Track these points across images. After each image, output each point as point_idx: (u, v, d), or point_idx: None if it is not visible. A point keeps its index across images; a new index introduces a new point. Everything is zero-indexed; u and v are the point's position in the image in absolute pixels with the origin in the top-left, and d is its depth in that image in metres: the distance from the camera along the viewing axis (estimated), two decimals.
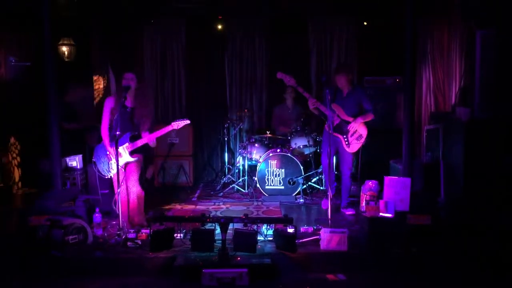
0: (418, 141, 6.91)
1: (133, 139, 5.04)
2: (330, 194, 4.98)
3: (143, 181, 5.60)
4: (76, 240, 4.63)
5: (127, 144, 5.02)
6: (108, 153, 5.10)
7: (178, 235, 4.83)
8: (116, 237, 4.83)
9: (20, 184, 6.15)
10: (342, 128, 5.75)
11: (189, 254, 4.44)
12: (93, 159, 5.16)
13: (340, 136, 5.75)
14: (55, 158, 5.33)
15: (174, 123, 5.04)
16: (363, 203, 5.55)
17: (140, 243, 4.72)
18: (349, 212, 5.86)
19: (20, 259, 4.40)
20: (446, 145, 5.50)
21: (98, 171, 5.15)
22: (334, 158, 6.11)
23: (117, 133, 4.72)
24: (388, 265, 4.47)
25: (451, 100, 6.32)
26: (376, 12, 7.68)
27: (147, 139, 5.02)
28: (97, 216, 5.06)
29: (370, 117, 5.76)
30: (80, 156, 6.30)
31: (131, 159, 5.06)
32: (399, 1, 5.55)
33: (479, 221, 4.67)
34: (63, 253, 4.46)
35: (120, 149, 4.94)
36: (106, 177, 5.19)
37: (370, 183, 5.65)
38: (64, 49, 7.10)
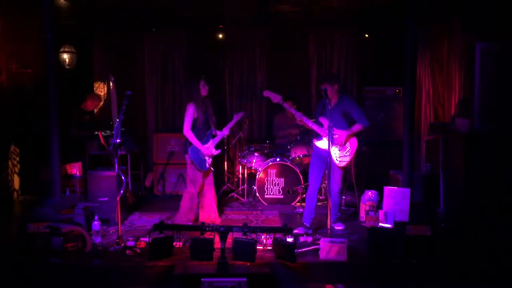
0: (418, 152, 6.92)
1: (213, 136, 5.80)
2: (330, 203, 4.96)
3: None
4: (74, 248, 4.62)
5: (211, 141, 5.71)
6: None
7: (177, 243, 4.82)
8: (115, 245, 4.83)
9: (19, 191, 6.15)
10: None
11: (188, 262, 4.43)
12: (191, 159, 5.58)
13: (328, 151, 5.34)
14: (54, 166, 5.33)
15: (236, 115, 5.96)
16: (363, 213, 5.56)
17: (139, 251, 4.72)
18: (339, 227, 5.69)
19: (19, 266, 4.39)
20: (446, 156, 5.50)
21: (198, 169, 5.63)
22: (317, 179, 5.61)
23: (117, 141, 4.79)
24: (387, 276, 4.46)
25: (450, 111, 6.34)
26: (377, 23, 7.73)
27: (226, 132, 5.82)
28: (96, 224, 5.06)
29: (358, 128, 5.40)
30: (80, 163, 6.30)
31: (216, 152, 5.75)
32: (400, 12, 5.59)
33: (479, 232, 4.67)
34: (62, 260, 4.44)
35: (210, 145, 5.68)
36: (206, 170, 5.74)
37: (370, 193, 5.65)
38: (65, 56, 7.12)
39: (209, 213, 5.84)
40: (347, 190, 6.66)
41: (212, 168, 5.82)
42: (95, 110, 7.02)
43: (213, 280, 4.03)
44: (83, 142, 6.60)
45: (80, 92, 7.02)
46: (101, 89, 7.98)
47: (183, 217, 5.69)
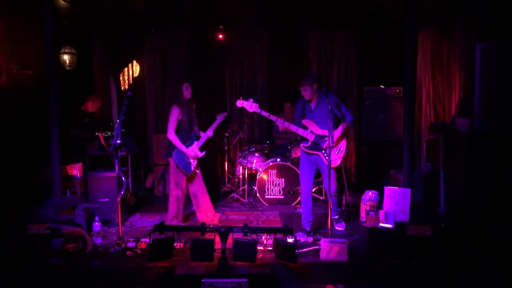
0: (418, 152, 6.92)
1: (197, 138, 5.72)
2: (330, 203, 4.96)
3: None
4: (75, 249, 4.62)
5: (195, 143, 5.65)
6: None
7: (178, 244, 4.82)
8: (116, 246, 4.83)
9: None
10: (319, 144, 5.29)
11: (189, 263, 4.43)
12: (176, 163, 5.56)
13: (319, 153, 5.32)
14: (55, 166, 5.33)
15: (218, 116, 5.85)
16: (363, 214, 5.55)
17: (139, 252, 4.72)
18: (339, 228, 5.64)
19: (19, 267, 4.39)
20: (446, 156, 5.50)
21: (183, 172, 5.60)
22: (309, 182, 5.54)
23: (118, 142, 4.80)
24: (388, 276, 4.46)
25: (451, 111, 6.34)
26: (377, 23, 7.72)
27: (209, 133, 5.73)
28: (97, 225, 5.06)
29: (345, 125, 5.31)
30: (80, 164, 6.30)
31: (200, 154, 5.68)
32: (400, 12, 5.59)
33: (479, 232, 4.67)
34: (62, 261, 4.45)
35: (194, 147, 5.62)
36: (191, 173, 5.66)
37: (370, 193, 5.65)
38: (66, 57, 7.12)
39: (206, 212, 5.84)
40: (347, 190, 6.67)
41: (197, 171, 5.75)
42: (96, 112, 7.01)
43: (214, 280, 4.04)
44: (83, 143, 6.60)
45: (80, 93, 7.02)
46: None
47: (173, 219, 5.69)
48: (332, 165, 5.30)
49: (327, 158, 5.07)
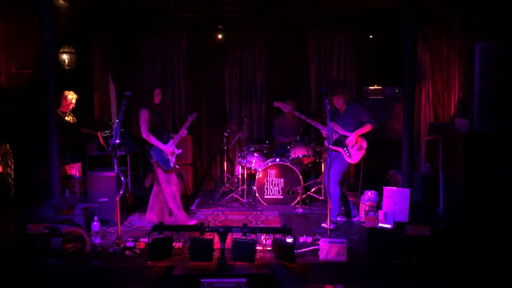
0: (417, 152, 6.91)
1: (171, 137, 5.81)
2: (329, 204, 4.97)
3: None
4: (74, 249, 4.62)
5: (171, 141, 5.73)
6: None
7: (177, 244, 4.82)
8: (115, 245, 4.83)
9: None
10: (341, 142, 5.81)
11: (188, 263, 4.43)
12: (155, 160, 5.61)
13: (340, 149, 5.81)
14: (53, 166, 5.32)
15: (189, 116, 5.94)
16: (363, 214, 5.56)
17: (138, 252, 4.72)
18: (338, 218, 5.86)
19: (18, 267, 4.38)
20: (445, 156, 5.50)
21: (164, 169, 5.65)
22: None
23: (117, 141, 4.80)
24: (387, 276, 4.46)
25: (450, 111, 6.33)
26: (376, 23, 7.72)
27: (183, 133, 5.81)
28: (96, 225, 5.06)
29: (367, 128, 5.80)
30: (79, 164, 6.30)
31: (177, 151, 5.76)
32: (399, 12, 5.58)
33: (479, 233, 4.67)
34: (61, 261, 4.44)
35: (171, 144, 5.71)
36: (171, 169, 5.70)
37: (369, 194, 5.64)
38: (65, 57, 7.10)
39: (162, 215, 5.85)
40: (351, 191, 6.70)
41: (177, 166, 5.83)
42: (74, 107, 6.89)
43: (213, 280, 4.04)
44: (82, 143, 6.58)
45: (80, 93, 6.99)
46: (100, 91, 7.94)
47: (179, 216, 5.72)
48: (352, 161, 5.85)
49: (348, 154, 5.81)
